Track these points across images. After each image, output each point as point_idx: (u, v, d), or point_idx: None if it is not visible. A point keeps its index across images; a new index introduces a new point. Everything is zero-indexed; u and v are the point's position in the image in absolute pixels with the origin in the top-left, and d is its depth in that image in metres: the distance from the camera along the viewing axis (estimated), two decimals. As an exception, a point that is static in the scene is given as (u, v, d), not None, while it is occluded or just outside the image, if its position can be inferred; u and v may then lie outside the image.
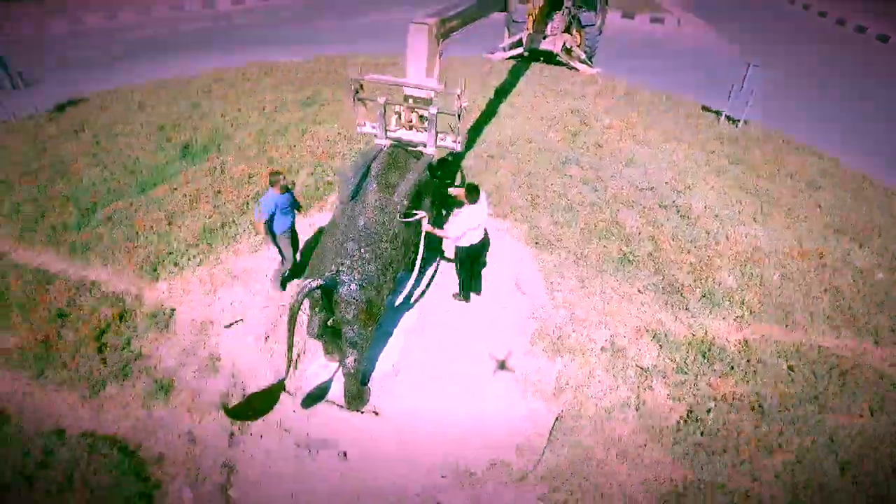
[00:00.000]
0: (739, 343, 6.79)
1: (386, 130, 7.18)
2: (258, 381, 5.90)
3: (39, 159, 9.59)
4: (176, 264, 7.43)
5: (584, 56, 15.63)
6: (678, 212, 9.00)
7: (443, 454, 5.53)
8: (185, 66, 14.18)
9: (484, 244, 6.99)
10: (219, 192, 8.84)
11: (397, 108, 7.29)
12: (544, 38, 16.09)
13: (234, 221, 8.22)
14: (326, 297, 5.44)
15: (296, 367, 6.24)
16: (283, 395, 5.78)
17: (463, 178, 9.48)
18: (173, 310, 6.82)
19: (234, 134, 10.64)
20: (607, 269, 7.73)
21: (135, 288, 7.09)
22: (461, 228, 6.47)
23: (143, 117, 11.11)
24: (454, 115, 6.80)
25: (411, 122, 7.37)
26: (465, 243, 6.68)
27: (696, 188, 9.75)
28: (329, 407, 5.99)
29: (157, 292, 7.05)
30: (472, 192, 6.51)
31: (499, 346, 6.65)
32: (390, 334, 6.81)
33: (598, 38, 16.16)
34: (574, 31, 15.85)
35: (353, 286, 5.48)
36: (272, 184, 6.38)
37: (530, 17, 15.51)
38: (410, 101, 7.19)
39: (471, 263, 7.05)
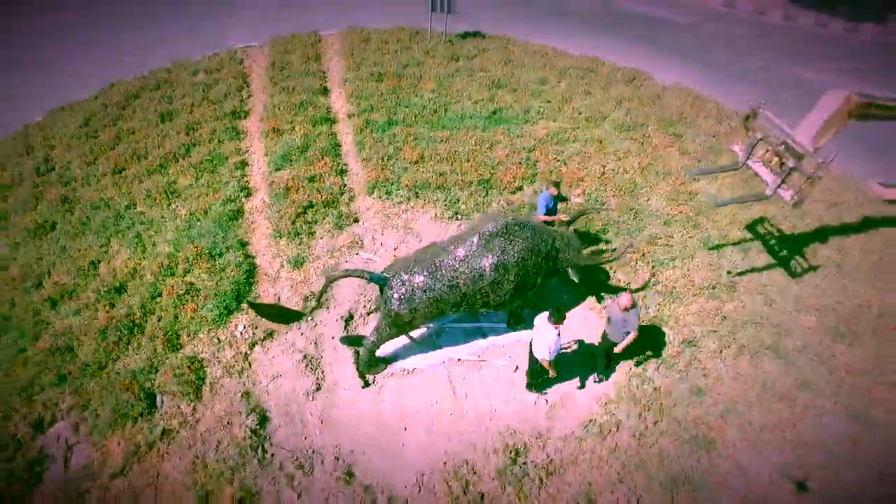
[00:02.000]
0: None
1: (748, 157, 7.85)
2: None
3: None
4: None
5: None
6: None
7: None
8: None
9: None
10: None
11: (772, 146, 7.54)
12: None
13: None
14: (378, 286, 6.83)
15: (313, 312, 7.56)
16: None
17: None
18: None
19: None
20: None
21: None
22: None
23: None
24: (809, 176, 6.90)
25: (771, 161, 7.59)
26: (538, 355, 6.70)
27: None
28: (349, 354, 7.63)
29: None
30: (556, 314, 6.38)
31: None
32: (437, 347, 7.80)
33: None
34: None
35: (394, 296, 6.68)
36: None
37: None
38: (783, 146, 7.31)
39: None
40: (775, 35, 18.04)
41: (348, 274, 6.80)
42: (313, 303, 7.08)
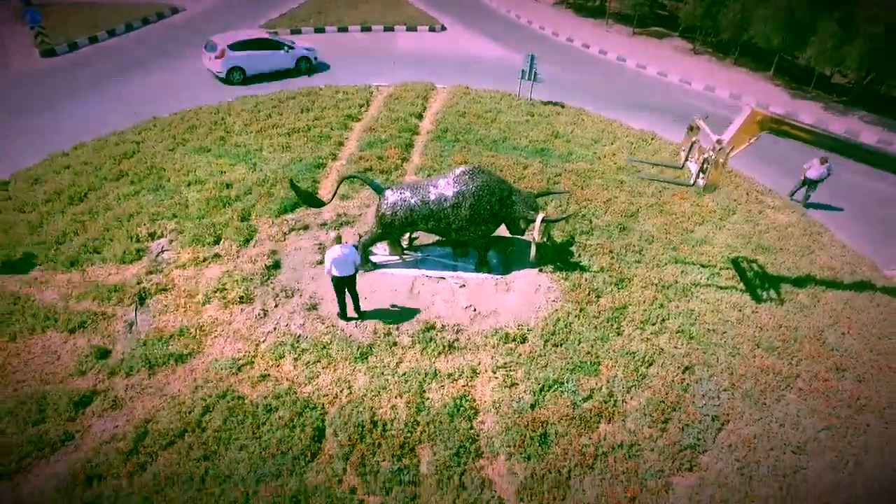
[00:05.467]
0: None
1: (687, 158, 9.76)
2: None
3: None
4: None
5: None
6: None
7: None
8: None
9: None
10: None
11: (706, 149, 9.04)
12: None
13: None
14: (377, 193, 9.67)
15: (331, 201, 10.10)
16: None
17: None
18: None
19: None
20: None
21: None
22: None
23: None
24: (710, 160, 8.70)
25: (700, 159, 9.20)
26: None
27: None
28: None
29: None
30: None
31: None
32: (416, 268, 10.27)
33: None
34: None
35: (385, 203, 9.46)
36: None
37: None
38: (710, 146, 8.87)
39: None
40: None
41: (358, 177, 9.82)
42: (331, 196, 10.09)
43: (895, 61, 18.26)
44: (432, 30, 26.04)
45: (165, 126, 14.62)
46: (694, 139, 9.48)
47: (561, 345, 8.67)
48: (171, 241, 10.28)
